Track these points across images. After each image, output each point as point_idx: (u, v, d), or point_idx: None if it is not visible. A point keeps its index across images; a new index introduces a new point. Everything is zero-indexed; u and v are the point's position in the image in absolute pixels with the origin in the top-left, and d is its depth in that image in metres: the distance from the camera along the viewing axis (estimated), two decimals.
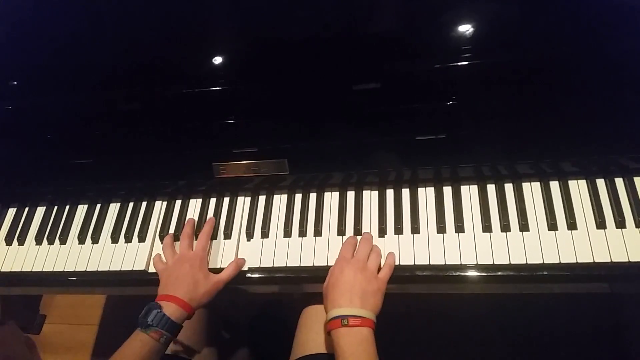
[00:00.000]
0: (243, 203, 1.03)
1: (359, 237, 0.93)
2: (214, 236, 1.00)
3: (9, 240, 1.10)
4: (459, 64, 0.83)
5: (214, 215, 1.03)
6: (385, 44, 0.90)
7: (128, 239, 1.04)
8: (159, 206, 1.07)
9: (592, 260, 0.83)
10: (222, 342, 1.13)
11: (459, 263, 0.87)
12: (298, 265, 0.94)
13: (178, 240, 0.98)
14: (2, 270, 1.06)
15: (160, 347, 0.82)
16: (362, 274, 0.83)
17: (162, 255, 0.97)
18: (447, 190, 0.95)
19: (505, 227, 0.89)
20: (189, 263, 0.90)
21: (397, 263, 0.89)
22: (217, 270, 0.93)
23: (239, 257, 0.97)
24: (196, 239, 0.97)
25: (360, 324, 0.77)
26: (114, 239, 1.04)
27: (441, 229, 0.91)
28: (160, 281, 0.91)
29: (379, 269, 0.87)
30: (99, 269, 1.01)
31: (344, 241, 0.92)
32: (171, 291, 0.86)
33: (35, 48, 1.05)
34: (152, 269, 0.99)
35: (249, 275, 0.96)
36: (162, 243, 1.00)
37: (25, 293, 1.15)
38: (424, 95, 0.88)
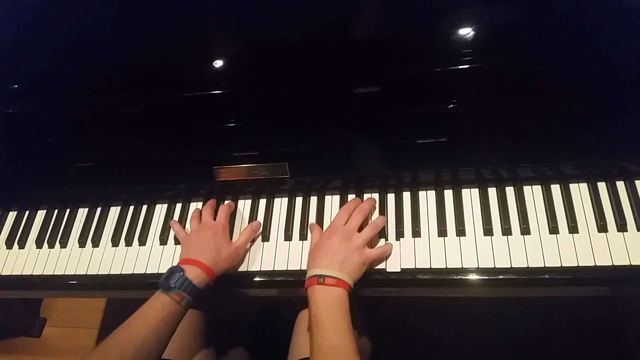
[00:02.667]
0: (243, 206, 1.03)
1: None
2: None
3: (9, 244, 1.10)
4: (460, 67, 0.83)
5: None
6: (385, 48, 0.89)
7: (129, 243, 1.04)
8: (160, 210, 1.07)
9: (593, 264, 0.83)
10: (221, 346, 1.13)
11: (460, 266, 0.87)
12: (299, 268, 0.93)
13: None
14: (3, 273, 1.06)
15: (180, 309, 0.83)
16: (348, 243, 0.86)
17: (188, 225, 1.01)
18: (448, 194, 0.95)
19: (506, 231, 0.88)
20: (212, 230, 0.94)
21: (398, 267, 0.89)
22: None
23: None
24: None
25: (335, 284, 0.80)
26: (115, 242, 1.04)
27: (442, 232, 0.91)
28: (182, 248, 0.95)
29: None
30: (100, 273, 1.01)
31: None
32: (193, 255, 0.88)
33: (35, 52, 1.05)
34: (150, 271, 0.99)
35: (249, 278, 0.95)
36: (160, 245, 1.02)
37: (26, 296, 1.15)
38: (424, 98, 0.88)
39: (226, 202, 1.03)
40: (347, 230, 0.88)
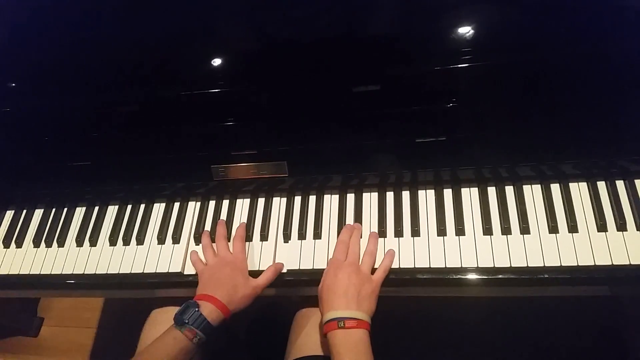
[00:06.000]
0: (242, 205, 1.03)
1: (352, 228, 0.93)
2: (212, 239, 0.99)
3: (6, 243, 1.09)
4: (459, 66, 0.83)
5: (212, 217, 1.03)
6: (385, 46, 0.89)
7: (126, 242, 1.03)
8: (158, 209, 1.06)
9: (593, 263, 0.83)
10: (218, 345, 1.12)
11: (460, 266, 0.87)
12: (297, 268, 0.93)
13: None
14: (0, 273, 1.06)
15: (192, 347, 0.81)
16: (357, 276, 0.84)
17: (201, 255, 0.97)
18: (448, 193, 0.95)
19: (506, 230, 0.88)
20: (230, 266, 0.91)
21: (397, 266, 0.89)
22: None
23: None
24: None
25: (356, 325, 0.78)
26: (112, 241, 1.04)
27: (441, 231, 0.91)
28: (200, 281, 0.92)
29: (374, 269, 0.88)
30: (97, 272, 1.01)
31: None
32: (210, 292, 0.86)
33: (33, 50, 1.05)
34: (148, 270, 0.99)
35: None
36: (158, 244, 1.01)
37: (23, 296, 1.14)
38: (424, 97, 0.87)
39: (239, 227, 0.98)
40: (353, 263, 0.86)
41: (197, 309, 0.82)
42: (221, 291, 0.86)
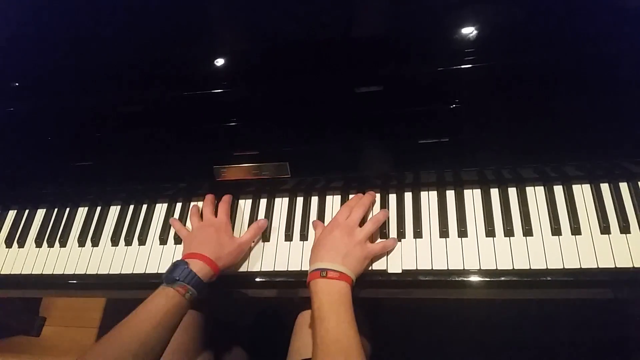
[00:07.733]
0: (244, 206, 1.03)
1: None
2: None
3: (9, 243, 1.10)
4: (463, 67, 0.83)
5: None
6: (388, 47, 0.89)
7: (128, 242, 1.03)
8: (160, 209, 1.06)
9: (596, 266, 0.82)
10: (220, 347, 1.12)
11: (462, 268, 0.86)
12: (299, 269, 0.93)
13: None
14: (2, 272, 1.06)
15: (185, 303, 0.82)
16: (350, 237, 0.86)
17: (189, 223, 1.00)
18: (450, 194, 0.94)
19: (508, 232, 0.88)
20: (214, 227, 0.93)
21: (399, 268, 0.88)
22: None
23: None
24: None
25: (338, 277, 0.80)
26: (114, 242, 1.04)
27: (444, 233, 0.90)
28: (185, 245, 0.95)
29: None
30: (99, 272, 1.01)
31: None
32: (197, 249, 0.88)
33: (37, 50, 1.05)
34: (150, 270, 0.99)
35: (249, 279, 0.95)
36: (160, 245, 1.02)
37: (25, 295, 1.14)
38: (427, 98, 0.87)
39: (224, 196, 1.01)
40: (349, 225, 0.88)
41: (186, 266, 0.83)
42: (208, 248, 0.88)
